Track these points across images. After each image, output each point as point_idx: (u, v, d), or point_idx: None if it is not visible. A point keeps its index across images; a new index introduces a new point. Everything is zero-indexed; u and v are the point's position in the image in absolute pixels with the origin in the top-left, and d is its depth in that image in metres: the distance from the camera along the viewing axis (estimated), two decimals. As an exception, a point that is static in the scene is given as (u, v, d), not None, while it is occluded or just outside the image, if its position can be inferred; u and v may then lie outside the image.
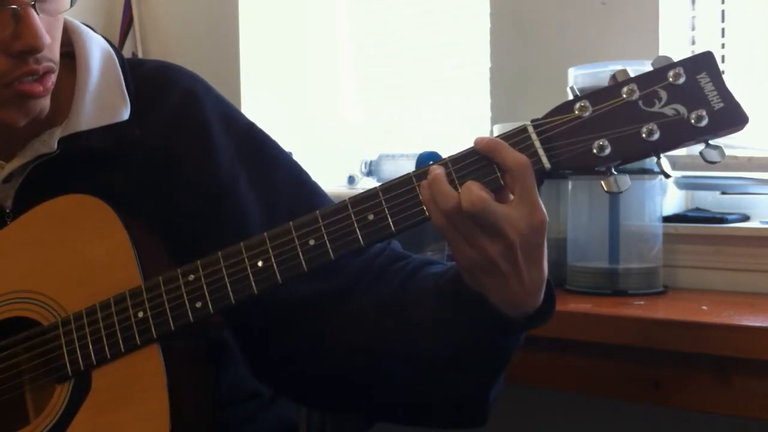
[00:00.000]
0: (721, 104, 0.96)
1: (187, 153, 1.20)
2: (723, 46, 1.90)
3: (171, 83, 1.24)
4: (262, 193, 1.20)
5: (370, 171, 2.27)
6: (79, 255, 1.12)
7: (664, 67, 0.98)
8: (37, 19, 1.06)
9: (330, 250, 1.02)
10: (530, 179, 0.97)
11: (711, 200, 1.87)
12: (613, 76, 0.99)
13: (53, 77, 1.13)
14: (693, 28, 1.91)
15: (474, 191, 0.95)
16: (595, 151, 0.97)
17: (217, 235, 1.12)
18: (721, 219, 1.74)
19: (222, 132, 1.22)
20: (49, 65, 1.11)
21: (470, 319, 1.03)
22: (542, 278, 1.01)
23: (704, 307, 1.50)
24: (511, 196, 0.98)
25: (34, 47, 1.07)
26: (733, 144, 1.66)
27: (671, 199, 1.84)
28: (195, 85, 1.25)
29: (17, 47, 1.07)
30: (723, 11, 1.89)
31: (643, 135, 0.96)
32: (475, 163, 0.99)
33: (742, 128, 0.97)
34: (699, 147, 0.99)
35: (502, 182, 0.98)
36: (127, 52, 2.77)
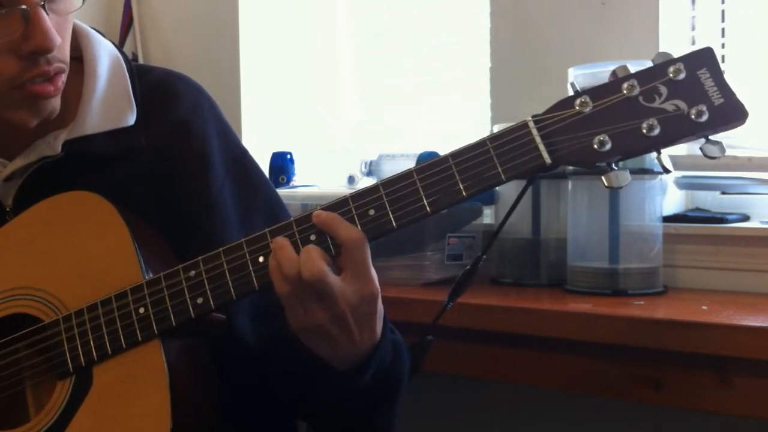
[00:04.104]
0: (721, 100, 0.96)
1: (184, 164, 1.21)
2: (723, 46, 1.90)
3: (177, 94, 1.25)
4: (241, 218, 1.22)
5: (370, 171, 2.27)
6: (80, 251, 1.12)
7: (664, 63, 0.98)
8: (47, 19, 1.07)
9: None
10: (362, 254, 1.02)
11: (711, 200, 1.87)
12: (614, 72, 0.99)
13: (64, 77, 1.14)
14: (693, 28, 1.91)
15: (314, 261, 1.00)
16: (595, 146, 0.97)
17: (199, 248, 1.13)
18: (721, 219, 1.74)
19: (218, 151, 1.24)
20: (59, 66, 1.12)
21: (312, 373, 1.11)
22: (375, 337, 1.07)
23: (704, 307, 1.50)
24: (345, 271, 1.02)
25: (44, 47, 1.07)
26: (733, 144, 1.66)
27: (671, 199, 1.84)
28: (200, 98, 1.27)
29: (28, 48, 1.07)
30: (723, 11, 1.89)
31: (644, 130, 0.97)
32: (313, 227, 1.03)
33: (742, 124, 0.97)
34: (699, 144, 0.99)
35: (333, 252, 1.02)
36: (127, 52, 2.76)
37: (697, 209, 1.87)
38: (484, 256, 1.13)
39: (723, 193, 1.83)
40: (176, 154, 1.21)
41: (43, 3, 1.07)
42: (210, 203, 1.20)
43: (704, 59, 0.98)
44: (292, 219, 1.04)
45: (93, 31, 1.25)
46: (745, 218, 1.79)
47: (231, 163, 1.25)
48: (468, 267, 1.13)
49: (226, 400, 1.19)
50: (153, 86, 1.25)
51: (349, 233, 1.01)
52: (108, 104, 1.20)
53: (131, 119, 1.21)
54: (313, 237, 1.03)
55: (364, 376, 1.09)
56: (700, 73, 0.97)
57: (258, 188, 1.27)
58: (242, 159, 1.28)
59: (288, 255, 1.01)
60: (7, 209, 1.19)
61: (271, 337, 1.18)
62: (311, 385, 1.13)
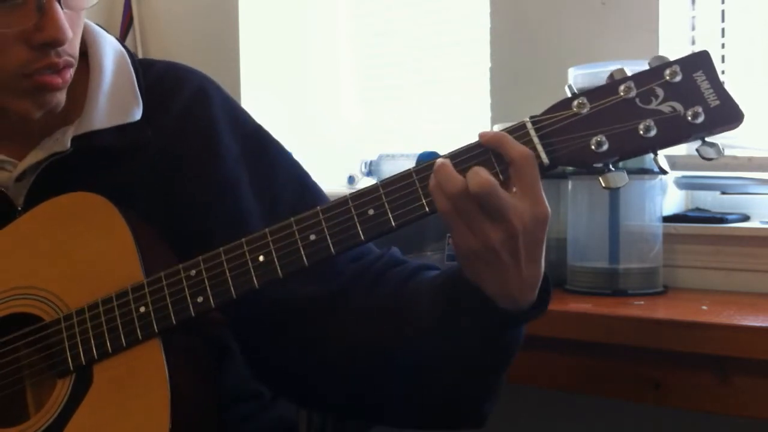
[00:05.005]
0: (717, 102, 0.97)
1: (194, 151, 1.21)
2: (723, 46, 1.90)
3: (181, 83, 1.25)
4: (264, 195, 1.21)
5: (370, 171, 2.27)
6: (81, 252, 1.12)
7: (660, 66, 0.99)
8: (61, 13, 1.08)
9: (330, 245, 1.02)
10: (534, 172, 0.97)
11: (711, 200, 1.87)
12: (611, 75, 1.00)
13: (71, 71, 1.14)
14: (693, 28, 1.91)
15: (482, 175, 0.96)
16: (593, 147, 0.98)
17: (219, 234, 1.13)
18: (721, 219, 1.74)
19: (229, 131, 1.23)
20: (68, 59, 1.13)
21: (465, 313, 1.03)
22: (539, 274, 1.01)
23: (704, 307, 1.50)
24: (515, 189, 0.98)
25: (56, 40, 1.08)
26: (733, 144, 1.66)
27: (671, 199, 1.84)
28: (205, 84, 1.27)
29: (39, 39, 1.08)
30: (723, 11, 1.89)
31: (641, 131, 0.97)
32: (476, 157, 1.00)
33: (738, 126, 0.97)
34: (696, 146, 0.99)
35: (501, 177, 0.98)
36: (127, 52, 2.77)
37: (697, 209, 1.87)
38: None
39: (723, 193, 1.83)
40: (184, 143, 1.21)
41: None
42: (224, 187, 1.20)
43: (700, 62, 0.98)
44: (292, 219, 1.04)
45: (97, 27, 1.26)
46: (745, 218, 1.79)
47: (244, 142, 1.24)
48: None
49: (225, 400, 1.19)
50: (157, 79, 1.26)
51: (520, 149, 0.97)
52: (114, 99, 1.21)
53: (137, 114, 1.21)
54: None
55: (535, 315, 1.04)
56: (696, 76, 0.98)
57: (279, 162, 1.26)
58: (256, 134, 1.27)
59: (450, 172, 0.97)
60: (19, 208, 1.20)
61: (397, 288, 1.13)
62: (461, 330, 1.05)
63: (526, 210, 0.96)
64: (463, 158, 1.00)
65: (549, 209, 0.98)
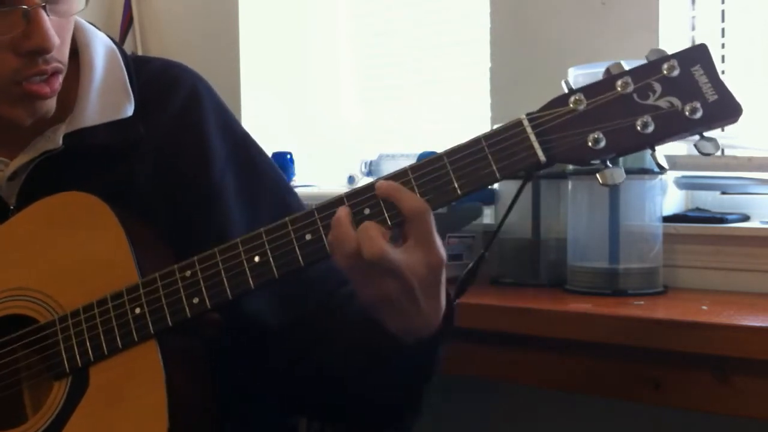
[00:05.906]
0: (715, 96, 0.96)
1: (185, 152, 1.21)
2: (723, 46, 1.89)
3: (176, 82, 1.25)
4: (246, 204, 1.22)
5: (370, 171, 2.27)
6: (76, 253, 1.12)
7: (658, 60, 0.98)
8: (47, 21, 1.08)
9: (326, 245, 1.02)
10: (428, 223, 1.00)
11: (711, 200, 1.87)
12: (608, 70, 1.00)
13: (60, 78, 1.14)
14: (693, 28, 1.91)
15: (373, 241, 0.97)
16: (590, 143, 0.97)
17: (201, 237, 1.13)
18: (721, 219, 1.74)
19: (218, 135, 1.24)
20: (57, 66, 1.13)
21: (381, 346, 1.07)
22: (440, 307, 1.05)
23: (704, 307, 1.50)
24: (409, 241, 1.00)
25: (43, 48, 1.08)
26: (733, 144, 1.66)
27: (671, 199, 1.84)
28: (198, 85, 1.27)
29: (27, 47, 1.08)
30: (723, 11, 1.89)
31: (638, 128, 0.97)
32: (368, 200, 1.01)
33: (736, 120, 0.97)
34: (694, 141, 0.99)
35: (389, 223, 1.00)
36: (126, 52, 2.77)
37: (697, 209, 1.87)
38: (486, 254, 1.12)
39: (723, 193, 1.83)
40: (175, 143, 1.21)
41: (44, 4, 1.08)
42: (212, 190, 1.20)
43: (698, 56, 0.98)
44: (288, 219, 1.04)
45: (88, 24, 1.26)
46: (745, 218, 1.79)
47: (232, 148, 1.24)
48: (471, 265, 1.13)
49: (225, 400, 1.19)
50: (151, 77, 1.26)
51: (412, 204, 0.99)
52: (105, 96, 1.21)
53: (129, 110, 1.21)
54: (367, 211, 1.01)
55: (437, 348, 1.08)
56: (693, 70, 0.97)
57: (263, 172, 1.26)
58: (244, 143, 1.27)
59: (346, 232, 0.99)
60: (11, 208, 1.20)
61: (315, 319, 1.17)
62: (375, 363, 1.09)
63: (420, 262, 0.99)
64: (358, 200, 1.01)
65: (443, 255, 1.01)
